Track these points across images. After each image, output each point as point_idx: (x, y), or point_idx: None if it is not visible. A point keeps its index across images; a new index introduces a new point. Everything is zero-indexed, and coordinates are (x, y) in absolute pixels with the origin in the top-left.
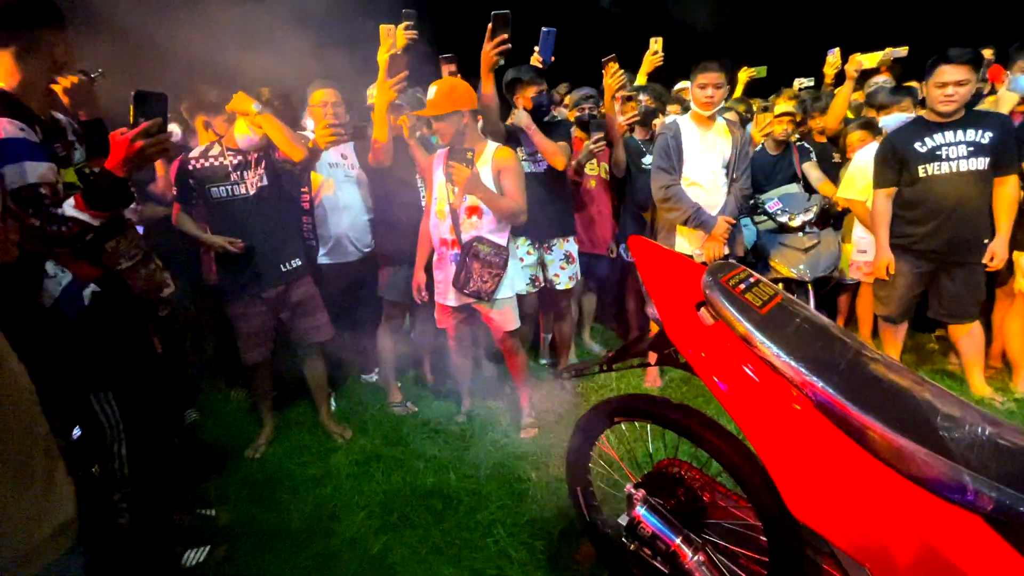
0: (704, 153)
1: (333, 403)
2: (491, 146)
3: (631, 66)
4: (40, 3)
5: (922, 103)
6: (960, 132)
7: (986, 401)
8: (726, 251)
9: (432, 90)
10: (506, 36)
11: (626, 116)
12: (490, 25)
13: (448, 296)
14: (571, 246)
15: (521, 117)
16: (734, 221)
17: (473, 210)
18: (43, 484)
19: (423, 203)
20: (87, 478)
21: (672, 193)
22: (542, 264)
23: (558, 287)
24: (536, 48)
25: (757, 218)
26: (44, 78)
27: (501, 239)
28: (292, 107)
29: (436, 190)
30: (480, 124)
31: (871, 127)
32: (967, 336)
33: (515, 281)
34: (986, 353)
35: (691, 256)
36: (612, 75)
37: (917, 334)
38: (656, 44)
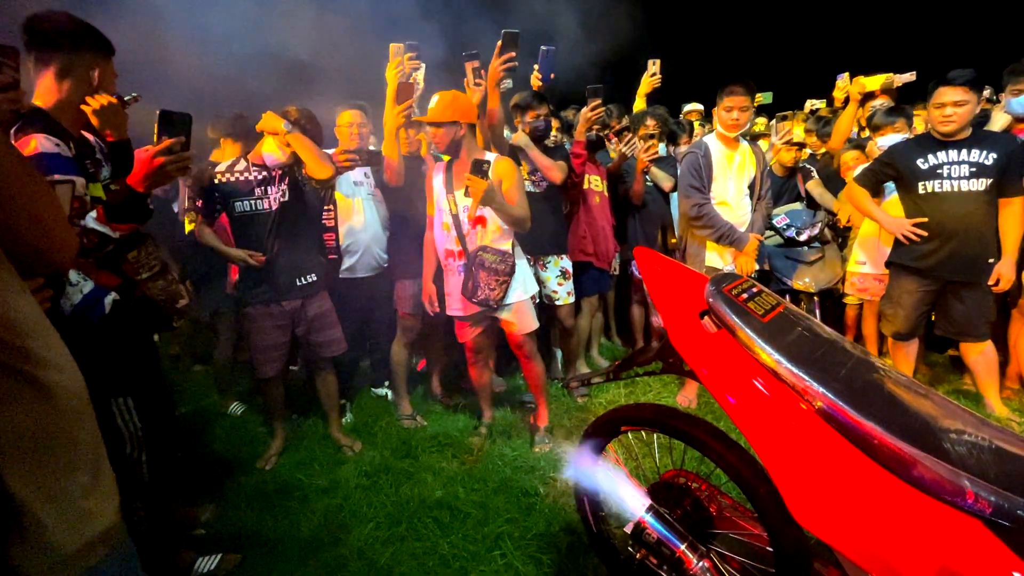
0: (731, 173)
1: (349, 415)
2: (489, 156)
3: (630, 87)
4: (82, 28)
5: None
6: (964, 151)
7: (1003, 422)
8: (756, 266)
9: (434, 99)
10: (514, 54)
11: (649, 154)
12: (499, 42)
13: (459, 307)
14: (566, 263)
15: (520, 138)
16: (762, 238)
17: (478, 220)
18: (93, 484)
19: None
20: None
21: (705, 212)
22: (539, 281)
23: (557, 302)
24: (536, 66)
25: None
26: (80, 99)
27: (505, 246)
28: (319, 126)
29: (437, 202)
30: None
31: (863, 148)
32: (980, 356)
33: (527, 283)
34: (1003, 374)
35: (722, 270)
36: (627, 144)
37: (930, 353)
38: (654, 66)
